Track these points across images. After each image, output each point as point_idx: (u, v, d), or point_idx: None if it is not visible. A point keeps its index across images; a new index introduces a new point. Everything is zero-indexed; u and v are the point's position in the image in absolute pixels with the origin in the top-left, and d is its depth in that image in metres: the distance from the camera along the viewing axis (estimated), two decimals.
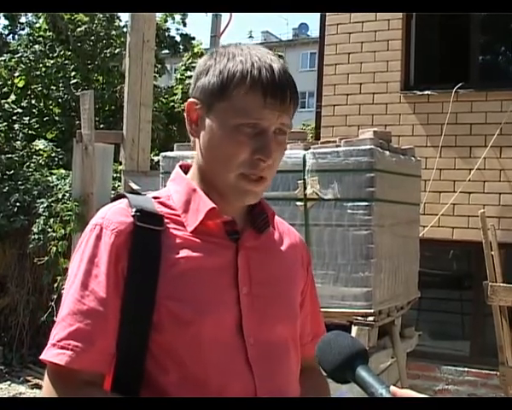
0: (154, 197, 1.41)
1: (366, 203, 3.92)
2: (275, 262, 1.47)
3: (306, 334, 1.54)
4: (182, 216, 1.38)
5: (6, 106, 11.85)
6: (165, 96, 12.61)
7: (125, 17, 11.63)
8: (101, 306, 1.28)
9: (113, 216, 1.34)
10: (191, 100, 1.40)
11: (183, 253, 1.33)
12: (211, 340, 1.30)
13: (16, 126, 11.65)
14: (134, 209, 1.33)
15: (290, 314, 1.46)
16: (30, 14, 13.57)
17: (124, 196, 1.40)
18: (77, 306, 1.28)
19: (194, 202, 1.38)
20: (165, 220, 1.36)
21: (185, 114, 1.42)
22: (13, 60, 12.09)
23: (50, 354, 1.27)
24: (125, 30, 9.30)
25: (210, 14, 11.57)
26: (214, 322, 1.31)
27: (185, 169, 1.48)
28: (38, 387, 7.34)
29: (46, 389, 1.30)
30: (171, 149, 4.80)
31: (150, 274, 1.29)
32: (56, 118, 12.23)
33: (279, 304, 1.43)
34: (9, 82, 12.24)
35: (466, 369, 6.77)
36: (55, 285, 7.32)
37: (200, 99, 1.38)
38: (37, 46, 12.53)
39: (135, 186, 6.78)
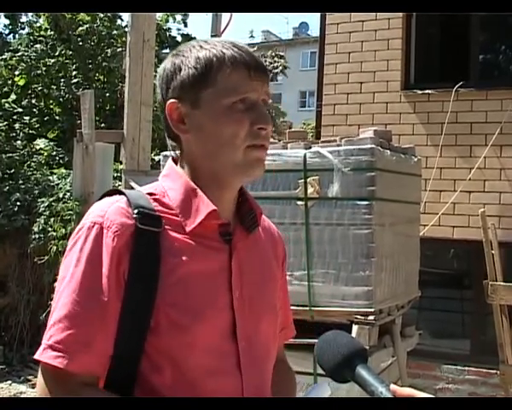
0: (149, 193, 1.38)
1: (367, 202, 3.92)
2: (260, 261, 1.49)
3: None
4: (179, 216, 1.36)
5: (6, 105, 11.86)
6: None
7: (126, 17, 11.65)
8: (102, 309, 1.26)
9: (114, 216, 1.31)
10: (170, 101, 1.39)
11: (182, 257, 1.33)
12: (204, 344, 1.32)
13: (17, 126, 11.65)
14: (136, 211, 1.31)
15: (272, 312, 1.49)
16: (31, 14, 13.57)
17: (120, 193, 1.37)
18: (76, 308, 1.26)
19: (193, 202, 1.37)
20: (163, 221, 1.34)
21: (167, 117, 1.40)
22: (14, 59, 12.09)
23: (47, 356, 1.25)
24: (126, 30, 9.31)
25: (210, 14, 11.56)
26: (210, 327, 1.33)
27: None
28: None
29: (42, 391, 1.28)
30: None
31: (150, 279, 1.29)
32: (57, 117, 12.24)
33: (264, 304, 1.46)
34: (10, 81, 12.25)
35: (466, 368, 6.77)
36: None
37: (180, 97, 1.38)
38: (38, 45, 12.53)
39: (135, 186, 6.78)
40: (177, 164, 1.45)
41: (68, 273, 1.29)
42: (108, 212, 1.32)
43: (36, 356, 1.27)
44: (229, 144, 1.35)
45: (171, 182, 1.41)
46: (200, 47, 1.38)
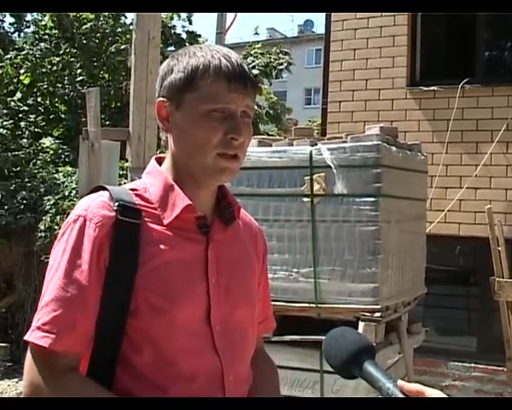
0: (131, 189, 1.50)
1: (373, 199, 3.91)
2: (238, 253, 1.59)
3: (256, 317, 1.65)
4: (158, 210, 1.47)
5: (12, 104, 11.89)
6: None
7: (130, 14, 11.66)
8: (84, 293, 1.37)
9: (97, 209, 1.42)
10: (160, 99, 1.51)
11: (160, 246, 1.43)
12: (182, 327, 1.42)
13: (22, 124, 11.68)
14: (116, 204, 1.42)
15: (250, 301, 1.59)
16: (35, 13, 13.59)
17: (103, 189, 1.48)
18: (60, 293, 1.37)
19: (170, 197, 1.48)
20: (143, 214, 1.45)
21: (156, 113, 1.53)
22: (19, 57, 12.11)
23: (35, 337, 1.36)
24: (131, 28, 9.32)
25: None
26: (186, 311, 1.43)
27: (160, 162, 1.58)
28: None
29: (29, 369, 1.39)
30: None
31: (130, 266, 1.39)
32: (62, 115, 12.26)
33: (241, 292, 1.55)
34: (15, 80, 12.27)
35: (473, 365, 6.76)
36: None
37: (168, 97, 1.50)
38: (42, 44, 12.55)
39: None
40: (160, 164, 1.56)
41: (56, 262, 1.42)
42: (91, 206, 1.43)
43: (25, 337, 1.38)
44: (200, 148, 1.46)
45: (152, 179, 1.53)
46: (194, 53, 1.48)
